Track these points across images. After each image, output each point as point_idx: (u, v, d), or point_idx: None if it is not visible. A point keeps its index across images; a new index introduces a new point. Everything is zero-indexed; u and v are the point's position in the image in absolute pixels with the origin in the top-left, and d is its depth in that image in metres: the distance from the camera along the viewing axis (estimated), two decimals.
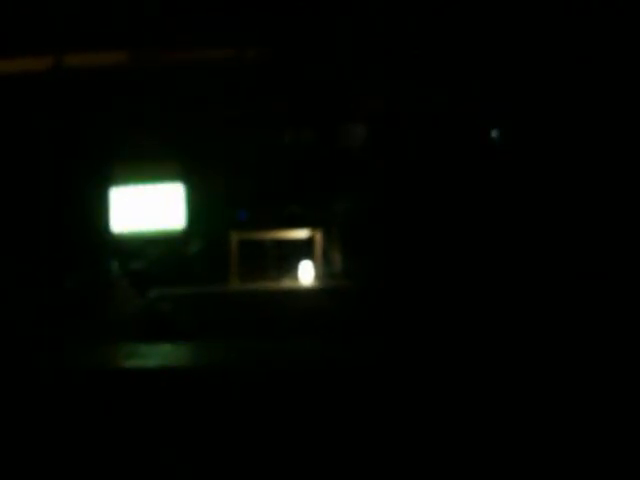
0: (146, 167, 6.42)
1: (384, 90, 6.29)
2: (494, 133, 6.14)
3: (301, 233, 6.45)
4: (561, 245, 5.82)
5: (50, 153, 6.38)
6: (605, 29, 5.71)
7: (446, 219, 6.14)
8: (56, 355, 5.84)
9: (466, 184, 6.15)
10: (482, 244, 6.02)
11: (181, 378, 5.36)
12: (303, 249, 6.45)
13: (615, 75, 5.78)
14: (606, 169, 5.83)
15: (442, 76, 6.17)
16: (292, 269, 6.45)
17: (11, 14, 6.04)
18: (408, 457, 4.35)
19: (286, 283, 6.41)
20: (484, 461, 4.20)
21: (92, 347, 5.92)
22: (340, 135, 6.46)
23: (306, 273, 6.39)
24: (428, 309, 5.97)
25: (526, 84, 6.03)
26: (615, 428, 4.38)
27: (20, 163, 6.39)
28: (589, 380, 4.95)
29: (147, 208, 6.41)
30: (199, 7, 6.14)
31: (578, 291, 5.58)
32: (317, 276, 6.41)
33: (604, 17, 5.69)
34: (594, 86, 5.83)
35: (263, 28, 6.17)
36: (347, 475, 4.20)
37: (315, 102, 6.40)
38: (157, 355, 5.90)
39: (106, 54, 6.24)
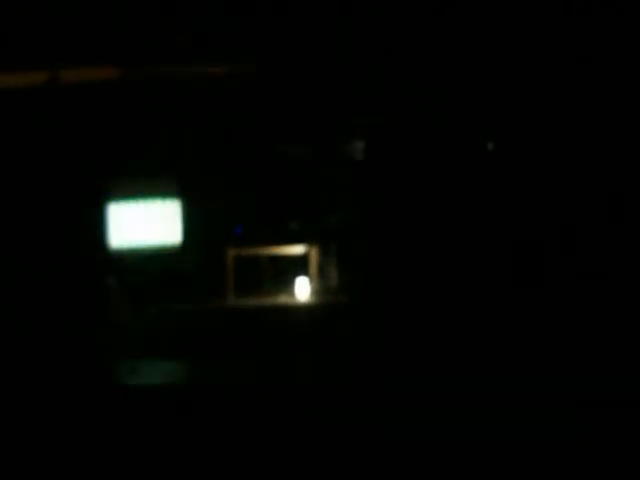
0: (142, 183, 6.41)
1: (381, 105, 6.32)
2: (490, 146, 6.18)
3: (297, 249, 6.46)
4: (558, 252, 5.86)
5: (46, 168, 6.35)
6: (605, 36, 5.77)
7: (444, 234, 6.17)
8: (55, 370, 5.82)
9: (463, 199, 6.18)
10: (481, 259, 6.05)
11: (181, 395, 5.36)
12: (299, 265, 6.46)
13: (615, 79, 5.83)
14: (606, 176, 5.87)
15: (439, 90, 6.20)
16: (288, 285, 6.46)
17: (7, 28, 6.02)
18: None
19: (282, 299, 6.42)
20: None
21: (92, 362, 5.91)
22: (337, 150, 6.48)
23: (302, 289, 6.40)
24: (425, 324, 6.01)
25: (524, 93, 6.07)
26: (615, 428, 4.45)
27: (15, 178, 6.35)
28: (589, 380, 5.02)
29: (144, 224, 6.39)
30: (194, 22, 6.15)
31: (579, 301, 5.64)
32: (313, 292, 6.42)
33: (605, 24, 5.75)
34: (595, 92, 5.88)
35: (259, 43, 6.19)
36: None
37: (312, 117, 6.42)
38: (157, 372, 5.89)
39: (101, 70, 6.22)
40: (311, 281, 6.43)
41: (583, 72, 5.84)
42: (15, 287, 6.16)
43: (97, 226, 6.34)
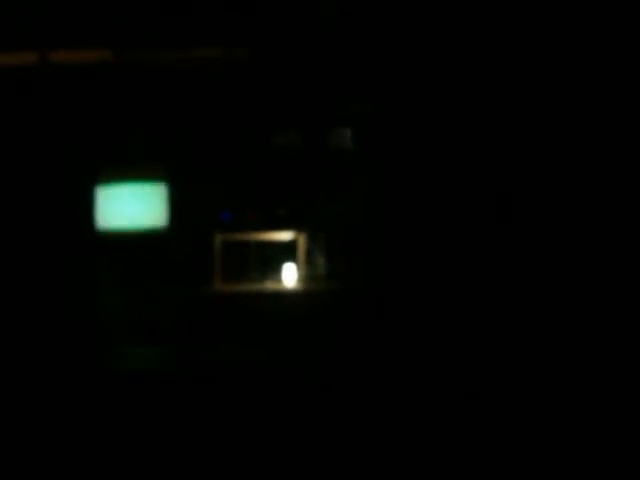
0: (130, 167, 6.39)
1: (372, 92, 6.31)
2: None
3: (285, 235, 6.46)
4: (557, 247, 5.86)
5: (34, 151, 6.32)
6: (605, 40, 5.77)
7: (432, 221, 6.18)
8: (49, 356, 5.82)
9: (454, 186, 6.18)
10: (469, 246, 6.06)
11: (169, 381, 5.38)
12: (287, 251, 6.47)
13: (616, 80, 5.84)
14: (614, 175, 5.86)
15: (432, 78, 6.19)
16: (276, 271, 6.46)
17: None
18: (402, 458, 4.41)
19: (269, 285, 6.42)
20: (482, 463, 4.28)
21: (81, 348, 5.92)
22: (326, 137, 6.47)
23: (289, 275, 6.40)
24: (412, 311, 6.03)
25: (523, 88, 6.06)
26: (615, 429, 4.48)
27: (1, 159, 6.32)
28: (589, 381, 5.04)
29: (130, 207, 6.37)
30: (186, 6, 6.11)
31: (580, 302, 5.65)
32: (300, 278, 6.43)
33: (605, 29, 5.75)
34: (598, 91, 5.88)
35: (250, 28, 6.16)
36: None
37: (302, 104, 6.40)
38: (145, 358, 5.91)
39: (91, 52, 6.19)
40: (298, 268, 6.44)
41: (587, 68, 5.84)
42: (2, 271, 6.15)
43: (85, 209, 6.32)
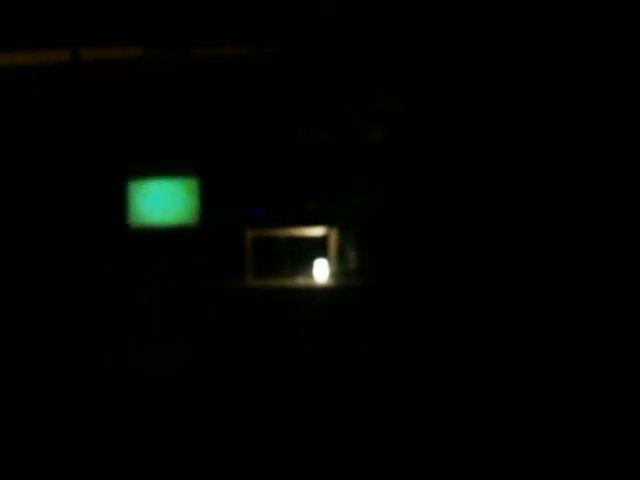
0: (162, 163, 6.42)
1: (401, 89, 6.25)
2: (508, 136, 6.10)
3: (316, 231, 6.44)
4: (578, 248, 5.81)
5: (68, 147, 6.38)
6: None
7: (463, 218, 6.12)
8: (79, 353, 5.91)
9: (483, 183, 6.12)
10: (498, 243, 6.01)
11: (199, 376, 5.43)
12: (318, 247, 6.45)
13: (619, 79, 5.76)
14: (622, 175, 5.80)
15: (459, 74, 6.12)
16: (307, 267, 6.45)
17: (29, 6, 6.02)
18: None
19: (301, 281, 6.41)
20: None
21: (116, 346, 5.99)
22: (358, 133, 6.42)
23: (321, 271, 6.39)
24: (442, 308, 5.99)
25: (540, 84, 5.98)
26: (615, 429, 4.44)
27: (36, 156, 6.38)
28: (589, 381, 5.01)
29: (162, 204, 6.41)
30: (216, 4, 6.09)
31: (578, 297, 5.62)
32: (332, 274, 6.41)
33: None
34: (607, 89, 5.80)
35: (279, 25, 6.13)
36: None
37: (335, 100, 6.36)
38: (176, 353, 5.95)
39: (123, 49, 6.20)
40: (330, 263, 6.42)
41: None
42: (38, 267, 6.23)
43: (117, 205, 6.37)
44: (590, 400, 4.83)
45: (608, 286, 5.60)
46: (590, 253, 5.72)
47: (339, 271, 6.43)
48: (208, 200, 6.41)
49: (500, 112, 6.08)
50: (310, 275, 6.43)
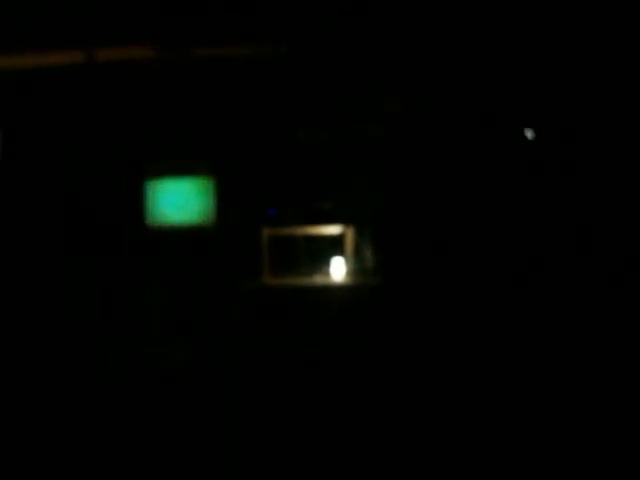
0: (178, 162, 6.43)
1: (412, 87, 6.22)
2: (528, 133, 6.06)
3: (333, 229, 6.44)
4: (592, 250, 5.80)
5: (84, 147, 6.40)
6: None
7: (478, 217, 6.10)
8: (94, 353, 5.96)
9: (496, 181, 6.10)
10: (512, 243, 6.00)
11: (215, 374, 5.48)
12: (335, 245, 6.45)
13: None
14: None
15: (459, 75, 6.09)
16: (323, 265, 6.46)
17: (44, 7, 6.01)
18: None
19: (318, 279, 6.43)
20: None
21: (131, 346, 6.04)
22: (373, 132, 6.39)
23: (337, 269, 6.39)
24: (459, 306, 5.99)
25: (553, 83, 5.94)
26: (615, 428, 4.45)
27: (51, 157, 6.41)
28: (589, 381, 5.02)
29: (178, 203, 6.43)
30: (219, 5, 6.05)
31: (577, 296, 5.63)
32: (348, 272, 6.41)
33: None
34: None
35: (296, 24, 6.09)
36: None
37: (349, 98, 6.33)
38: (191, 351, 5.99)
39: (137, 49, 6.19)
40: (347, 262, 6.42)
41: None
42: (55, 267, 6.28)
43: (134, 205, 6.39)
44: (590, 400, 4.84)
45: (608, 286, 5.59)
46: (590, 253, 5.71)
47: (356, 269, 6.43)
48: (224, 199, 6.42)
49: (500, 112, 6.05)
50: (327, 273, 6.44)
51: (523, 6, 5.61)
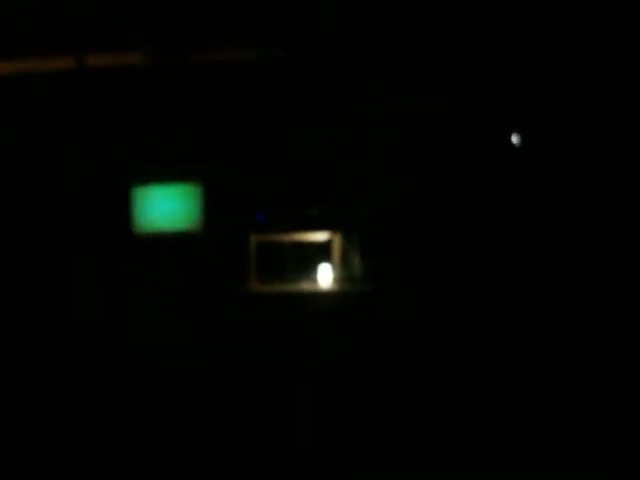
0: (165, 169, 6.44)
1: (404, 91, 6.26)
2: (515, 137, 6.10)
3: (320, 236, 6.46)
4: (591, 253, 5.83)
5: (73, 153, 6.40)
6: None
7: (467, 223, 6.13)
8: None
9: (488, 187, 6.13)
10: (504, 248, 6.02)
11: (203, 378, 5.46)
12: (322, 252, 6.47)
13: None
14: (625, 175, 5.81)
15: (460, 75, 6.12)
16: (311, 272, 6.47)
17: (34, 13, 6.03)
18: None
19: (305, 285, 6.43)
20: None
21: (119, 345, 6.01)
22: (361, 138, 6.42)
23: (325, 276, 6.41)
24: (446, 312, 6.00)
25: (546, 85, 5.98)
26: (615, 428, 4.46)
27: (42, 162, 6.41)
28: (589, 381, 5.03)
29: (166, 209, 6.43)
30: (218, 7, 6.08)
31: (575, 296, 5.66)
32: (336, 279, 6.43)
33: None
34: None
35: (282, 28, 6.13)
36: None
37: (336, 104, 6.36)
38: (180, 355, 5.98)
39: (127, 55, 6.21)
40: (334, 268, 6.44)
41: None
42: (45, 273, 6.26)
43: (121, 211, 6.40)
44: (590, 400, 4.84)
45: (608, 286, 5.61)
46: (591, 254, 5.73)
47: (343, 276, 6.44)
48: (212, 205, 6.42)
49: (501, 112, 6.07)
50: (314, 280, 6.45)
51: (523, 6, 5.66)
